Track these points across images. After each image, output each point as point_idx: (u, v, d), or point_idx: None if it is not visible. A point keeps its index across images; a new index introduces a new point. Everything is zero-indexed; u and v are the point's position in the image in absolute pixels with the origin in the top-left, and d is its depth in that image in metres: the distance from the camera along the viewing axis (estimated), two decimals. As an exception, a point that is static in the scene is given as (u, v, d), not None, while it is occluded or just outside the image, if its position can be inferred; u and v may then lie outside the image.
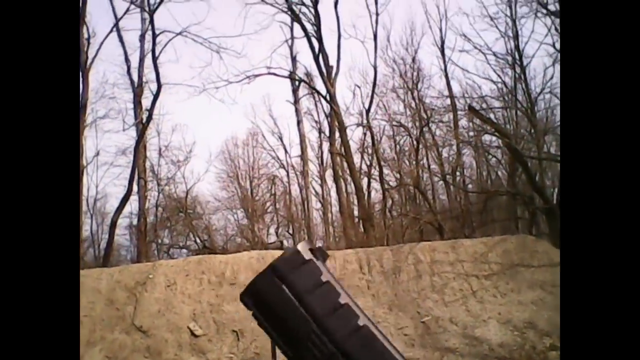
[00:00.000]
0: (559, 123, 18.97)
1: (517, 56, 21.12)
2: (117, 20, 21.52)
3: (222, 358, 10.59)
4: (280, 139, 36.24)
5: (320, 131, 31.22)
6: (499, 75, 22.54)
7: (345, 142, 26.05)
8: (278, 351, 7.26)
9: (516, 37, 20.85)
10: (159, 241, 26.01)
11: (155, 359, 10.63)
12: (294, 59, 28.34)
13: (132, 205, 24.26)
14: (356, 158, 27.89)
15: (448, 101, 25.98)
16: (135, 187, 22.01)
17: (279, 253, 14.13)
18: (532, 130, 21.13)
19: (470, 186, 27.20)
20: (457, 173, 26.91)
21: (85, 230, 24.38)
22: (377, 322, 11.24)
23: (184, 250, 25.01)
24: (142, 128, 22.26)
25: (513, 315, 11.07)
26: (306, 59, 36.11)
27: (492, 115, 20.88)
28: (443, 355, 9.86)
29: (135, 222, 25.28)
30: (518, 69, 21.23)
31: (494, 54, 20.91)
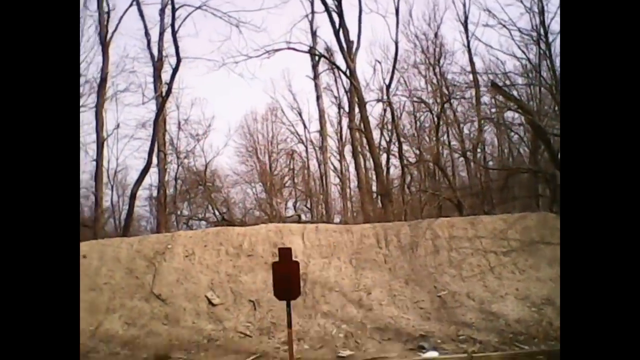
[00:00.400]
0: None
1: (542, 32, 20.56)
2: (137, -7, 21.46)
3: (238, 326, 10.72)
4: (300, 114, 36.14)
5: (339, 107, 31.03)
6: (523, 52, 22.02)
7: (364, 118, 25.82)
8: (293, 321, 7.32)
9: (542, 12, 20.25)
10: (179, 213, 26.28)
11: (173, 326, 10.80)
12: (314, 34, 28.02)
13: (152, 177, 24.53)
14: (375, 134, 27.69)
15: (470, 77, 25.56)
16: (155, 160, 22.20)
17: (296, 227, 14.24)
18: (556, 108, 20.70)
19: (490, 163, 26.86)
20: (478, 150, 26.56)
21: (106, 202, 24.71)
22: (393, 295, 11.30)
23: (203, 222, 25.23)
24: (161, 101, 22.34)
25: (531, 292, 10.98)
26: (326, 34, 35.77)
27: (515, 92, 20.49)
28: (459, 329, 9.83)
29: (155, 194, 25.59)
30: (543, 46, 20.67)
31: (519, 30, 20.33)
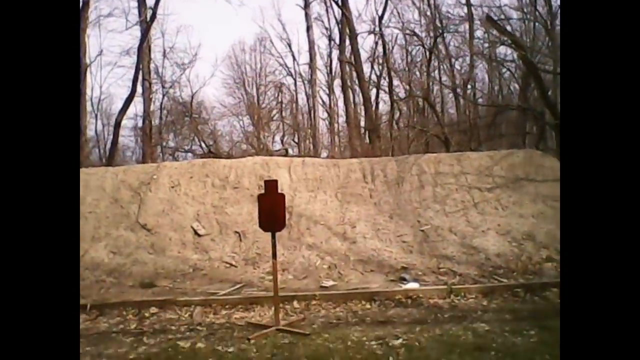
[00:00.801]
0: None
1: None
2: None
3: (224, 257, 10.86)
4: (289, 45, 35.24)
5: (330, 38, 30.31)
6: (519, -16, 21.38)
7: (355, 51, 25.31)
8: (278, 253, 7.40)
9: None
10: (164, 144, 26.06)
11: (159, 256, 10.91)
12: (305, -41, 26.95)
13: (137, 107, 24.16)
14: (366, 68, 27.24)
15: (465, 10, 24.96)
16: (139, 89, 21.75)
17: (283, 160, 14.19)
18: (550, 44, 20.38)
19: (480, 100, 26.67)
20: (468, 86, 26.31)
21: (90, 131, 24.43)
22: (377, 229, 11.46)
23: (189, 154, 25.05)
24: (146, 27, 21.62)
25: (512, 227, 11.17)
26: (318, -40, 34.18)
27: (509, 27, 20.05)
28: (440, 262, 10.04)
29: (140, 124, 25.27)
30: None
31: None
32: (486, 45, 23.51)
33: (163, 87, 26.64)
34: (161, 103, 26.51)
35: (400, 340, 5.89)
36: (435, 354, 5.39)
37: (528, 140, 22.61)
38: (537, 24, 22.54)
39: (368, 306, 7.79)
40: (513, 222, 11.37)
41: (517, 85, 25.36)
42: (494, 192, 12.37)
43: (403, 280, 9.15)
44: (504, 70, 25.28)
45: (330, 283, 9.28)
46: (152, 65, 25.19)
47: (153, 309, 7.84)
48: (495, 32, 19.21)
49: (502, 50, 23.45)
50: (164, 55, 27.05)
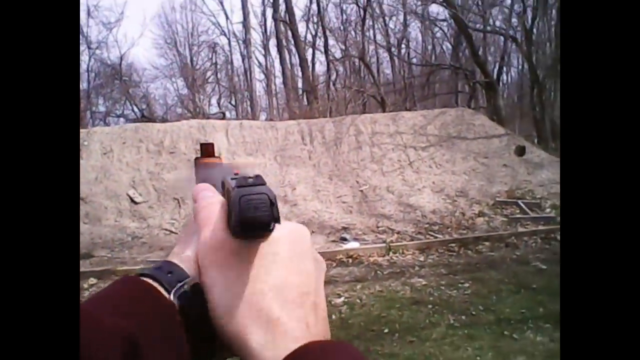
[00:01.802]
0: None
1: None
2: None
3: (163, 224, 10.70)
4: (221, 3, 34.23)
5: (264, -4, 29.55)
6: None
7: (290, 9, 24.91)
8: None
9: None
10: (93, 109, 24.97)
11: (95, 225, 10.60)
12: None
13: (63, 70, 22.80)
14: (301, 27, 26.93)
15: (398, -33, 24.91)
16: (63, 51, 20.53)
17: (220, 123, 13.95)
18: (480, 3, 20.81)
19: (414, 59, 27.04)
20: (403, 45, 26.59)
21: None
22: (317, 190, 11.59)
23: (122, 119, 24.21)
24: (66, -16, 20.28)
25: (446, 185, 11.60)
26: None
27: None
28: (378, 221, 10.33)
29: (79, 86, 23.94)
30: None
31: None
32: (419, 3, 23.70)
33: (89, 48, 25.31)
34: (88, 65, 25.25)
35: (342, 299, 6.07)
36: (376, 310, 5.61)
37: (460, 98, 23.28)
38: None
39: (310, 267, 7.94)
40: (447, 179, 11.80)
41: (449, 45, 25.89)
42: (428, 151, 12.74)
43: (344, 240, 9.36)
44: (436, 29, 25.67)
45: (272, 246, 9.36)
46: (75, 25, 23.79)
47: (92, 280, 7.67)
48: (428, -10, 19.39)
49: (434, 9, 23.73)
50: (88, 14, 25.60)
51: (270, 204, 0.46)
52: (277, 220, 0.46)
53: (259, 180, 0.47)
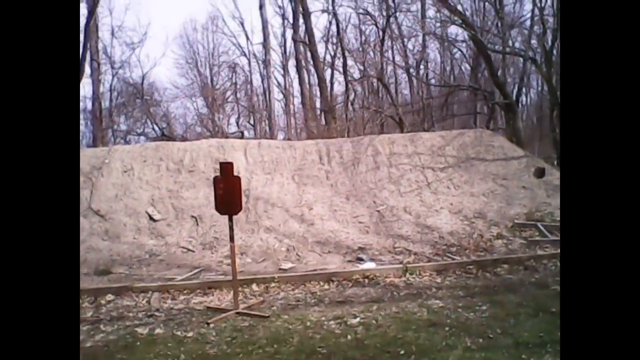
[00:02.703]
0: (525, 17, 18.68)
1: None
2: None
3: (181, 242, 10.77)
4: (242, 24, 34.75)
5: (283, 17, 30.01)
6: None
7: (309, 30, 25.19)
8: (236, 236, 7.41)
9: None
10: (115, 127, 25.40)
11: (113, 242, 10.72)
12: None
13: (86, 88, 23.34)
14: (320, 48, 27.18)
15: (417, -11, 25.12)
16: (87, 70, 21.01)
17: (238, 142, 14.07)
18: (499, 24, 20.84)
19: (433, 80, 27.11)
20: (421, 66, 26.68)
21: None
22: (334, 210, 11.59)
23: (142, 138, 24.56)
24: (92, 4, 20.83)
25: (464, 206, 11.52)
26: (271, -63, 33.55)
27: (459, 6, 20.39)
28: (395, 242, 10.27)
29: (89, 106, 24.47)
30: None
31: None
32: (438, 24, 23.83)
33: (112, 67, 25.90)
34: (111, 84, 25.78)
35: (358, 319, 6.03)
36: (392, 331, 5.56)
37: (479, 119, 23.21)
38: (486, 3, 22.98)
39: (326, 287, 7.90)
40: (465, 200, 11.72)
41: (468, 66, 25.91)
42: (447, 172, 12.70)
43: (360, 260, 9.32)
44: (455, 50, 25.77)
45: (288, 265, 9.36)
46: (100, 45, 24.39)
47: (109, 296, 7.73)
48: (446, 11, 19.49)
49: (453, 30, 23.85)
50: (113, 34, 26.27)
51: None
52: None
53: None
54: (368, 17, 26.91)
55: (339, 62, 27.15)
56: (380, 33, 25.37)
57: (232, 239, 6.98)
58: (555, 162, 16.84)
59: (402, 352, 4.95)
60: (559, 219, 10.72)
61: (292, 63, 29.79)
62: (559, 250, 8.97)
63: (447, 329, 5.56)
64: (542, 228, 10.22)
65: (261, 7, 28.13)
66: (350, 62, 26.61)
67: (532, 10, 18.63)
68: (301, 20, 25.86)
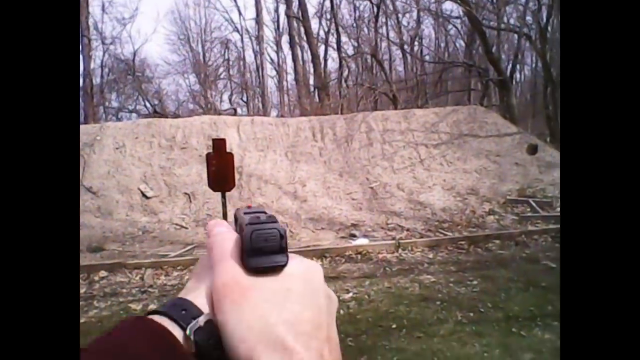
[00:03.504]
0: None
1: None
2: None
3: (174, 218, 10.77)
4: (235, -1, 34.12)
5: (276, -8, 29.59)
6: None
7: (303, 5, 24.87)
8: (229, 213, 7.40)
9: None
10: (107, 104, 25.17)
11: (106, 219, 10.70)
12: None
13: (77, 65, 23.00)
14: (314, 24, 26.89)
15: (411, -35, 24.79)
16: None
17: (231, 119, 14.00)
18: (494, 0, 20.65)
19: (427, 57, 26.94)
20: (415, 43, 26.48)
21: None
22: (327, 187, 11.60)
23: (134, 115, 24.35)
24: (81, -20, 20.44)
25: (457, 183, 11.55)
26: None
27: (455, -18, 20.15)
28: (388, 218, 10.31)
29: (80, 83, 24.19)
30: None
31: None
32: (432, 1, 23.59)
33: (103, 43, 25.54)
34: (102, 61, 25.46)
35: (350, 294, 6.07)
36: (384, 306, 5.61)
37: (473, 96, 23.14)
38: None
39: (319, 263, 7.94)
40: (457, 177, 11.75)
41: (462, 42, 25.74)
42: (440, 149, 12.70)
43: (353, 236, 9.36)
44: (449, 26, 25.54)
45: (281, 241, 9.38)
46: (90, 21, 24.00)
47: (102, 273, 7.74)
48: (441, -12, 19.28)
49: (448, 6, 23.66)
50: (103, 9, 25.87)
51: (280, 237, 0.48)
52: (285, 251, 0.49)
53: (271, 219, 0.50)
54: (362, -8, 26.60)
55: (332, 39, 26.90)
56: (375, 9, 25.08)
57: (225, 215, 6.97)
58: (548, 139, 16.87)
59: (394, 326, 5.00)
60: (550, 195, 10.79)
61: (285, 39, 29.53)
62: (550, 226, 9.05)
63: (438, 303, 5.62)
64: (533, 204, 10.27)
65: (254, -19, 27.75)
66: (344, 38, 26.37)
67: (528, -14, 18.47)
68: (294, -5, 25.52)
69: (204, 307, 0.48)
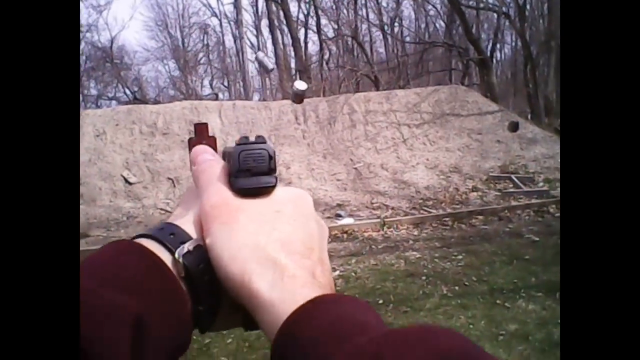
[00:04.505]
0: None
1: None
2: None
3: (158, 204, 10.71)
4: (212, -17, 33.62)
5: (254, -25, 29.25)
6: None
7: (281, -12, 24.63)
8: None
9: None
10: (85, 92, 24.81)
11: (89, 206, 10.60)
12: None
13: (52, 53, 22.62)
14: (293, 7, 26.62)
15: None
16: (53, 33, 20.33)
17: (213, 104, 13.89)
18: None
19: (407, 38, 26.92)
20: (396, 24, 26.43)
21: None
22: (311, 169, 11.61)
23: (114, 102, 24.06)
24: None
25: (440, 161, 11.64)
26: None
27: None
28: (373, 198, 10.37)
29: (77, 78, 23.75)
30: None
31: None
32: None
33: (80, 31, 25.07)
34: (79, 49, 25.02)
35: (337, 272, 6.13)
36: (371, 283, 5.68)
37: (454, 76, 23.23)
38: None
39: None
40: (440, 156, 11.84)
41: (442, 23, 25.74)
42: (422, 128, 12.76)
43: (338, 216, 9.41)
44: (429, 7, 25.50)
45: (267, 224, 9.40)
46: (65, 7, 23.54)
47: (88, 260, 7.70)
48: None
49: (427, -14, 23.58)
50: (78, -4, 25.33)
51: (269, 158, 0.48)
52: (274, 172, 0.49)
53: (260, 140, 0.49)
54: (341, -27, 26.41)
55: (312, 21, 26.71)
56: (354, -10, 24.96)
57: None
58: (529, 117, 17.04)
59: (380, 301, 5.07)
60: (532, 171, 10.93)
61: (264, 23, 29.27)
62: (532, 201, 9.19)
63: (424, 278, 5.70)
64: (516, 180, 10.41)
65: (231, -36, 27.38)
66: (324, 21, 26.23)
67: (506, -36, 18.49)
68: (273, -22, 25.25)
69: (192, 234, 0.47)
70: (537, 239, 7.01)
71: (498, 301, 4.85)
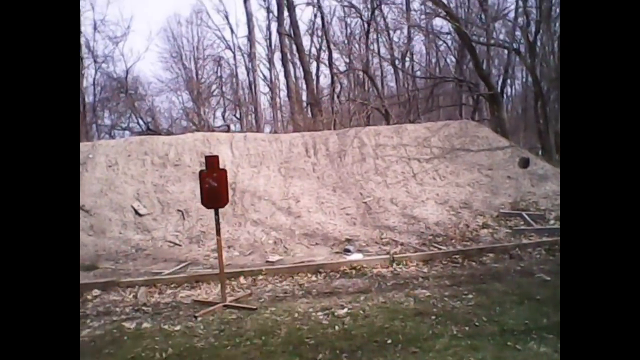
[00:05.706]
0: (509, 9, 18.78)
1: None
2: None
3: (167, 236, 10.72)
4: (227, 17, 34.48)
5: (268, 10, 29.85)
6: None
7: (294, 23, 25.10)
8: (223, 229, 7.39)
9: None
10: (99, 122, 25.16)
11: (99, 237, 10.63)
12: None
13: (69, 83, 23.03)
14: (305, 41, 27.12)
15: (401, -18, 25.13)
16: (70, 65, 20.72)
17: (224, 135, 14.01)
18: (483, 16, 20.95)
19: (418, 72, 27.18)
20: (407, 58, 26.73)
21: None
22: (321, 202, 11.60)
23: (127, 132, 24.36)
24: (74, -1, 20.53)
25: (450, 196, 11.59)
26: None
27: (444, -1, 20.43)
28: (382, 233, 10.31)
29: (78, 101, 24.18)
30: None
31: None
32: (423, 17, 23.88)
33: (95, 62, 25.60)
34: (94, 79, 25.48)
35: (345, 310, 6.05)
36: (379, 321, 5.59)
37: (464, 111, 23.33)
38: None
39: (314, 278, 7.91)
40: (450, 191, 11.79)
41: (453, 58, 26.01)
42: (432, 163, 12.76)
43: (347, 251, 9.35)
44: (440, 42, 25.83)
45: (276, 258, 9.35)
46: (82, 39, 24.10)
47: (96, 291, 7.67)
48: (431, 3, 19.53)
49: (438, 22, 23.92)
50: (95, 28, 25.93)
51: None
52: None
53: None
54: (353, 9, 26.86)
55: (324, 55, 27.10)
56: (365, 25, 25.34)
57: (218, 232, 6.96)
58: (540, 152, 16.99)
59: (389, 341, 4.98)
60: (543, 208, 10.84)
61: (277, 56, 29.68)
62: (543, 239, 9.08)
63: (433, 317, 5.60)
64: (526, 217, 10.32)
65: (245, 0, 27.97)
66: (335, 54, 26.59)
67: (516, 2, 18.75)
68: (286, 13, 25.74)
69: None
70: (549, 278, 6.90)
71: (509, 342, 4.75)
